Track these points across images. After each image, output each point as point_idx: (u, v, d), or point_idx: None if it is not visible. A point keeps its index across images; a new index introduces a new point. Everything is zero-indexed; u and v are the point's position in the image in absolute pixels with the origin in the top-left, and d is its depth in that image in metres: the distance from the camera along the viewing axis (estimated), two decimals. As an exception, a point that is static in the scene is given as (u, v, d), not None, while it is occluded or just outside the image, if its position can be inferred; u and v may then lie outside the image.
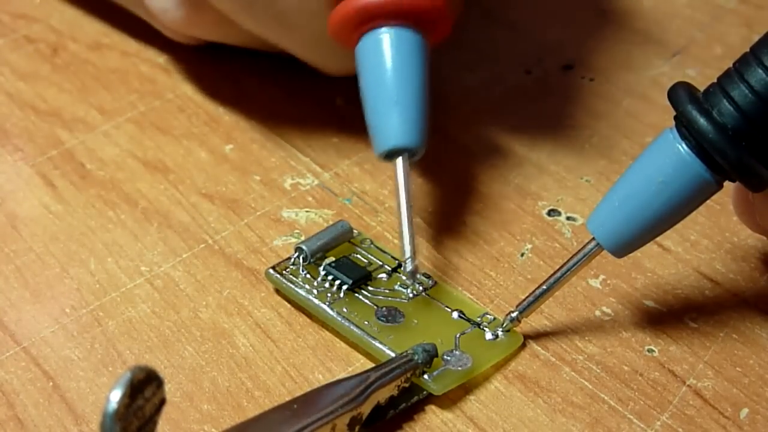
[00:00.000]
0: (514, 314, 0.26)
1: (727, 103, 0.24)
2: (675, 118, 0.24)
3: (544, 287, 0.26)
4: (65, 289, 0.28)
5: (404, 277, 0.27)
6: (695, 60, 0.35)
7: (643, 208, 0.24)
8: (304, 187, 0.31)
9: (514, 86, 0.35)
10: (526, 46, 0.36)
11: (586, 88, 0.34)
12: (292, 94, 0.34)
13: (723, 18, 0.38)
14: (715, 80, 0.24)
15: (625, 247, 0.25)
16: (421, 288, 0.27)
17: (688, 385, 0.25)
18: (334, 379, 0.25)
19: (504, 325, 0.26)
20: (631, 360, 0.26)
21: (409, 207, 0.27)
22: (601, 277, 0.28)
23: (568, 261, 0.26)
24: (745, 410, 0.24)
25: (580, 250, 0.26)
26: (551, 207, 0.30)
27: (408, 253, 0.26)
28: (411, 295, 0.27)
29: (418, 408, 0.25)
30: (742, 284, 0.28)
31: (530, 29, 0.37)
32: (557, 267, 0.26)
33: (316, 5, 0.29)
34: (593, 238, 0.25)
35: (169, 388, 0.24)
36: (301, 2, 0.29)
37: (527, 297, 0.26)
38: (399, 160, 0.27)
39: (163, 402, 0.20)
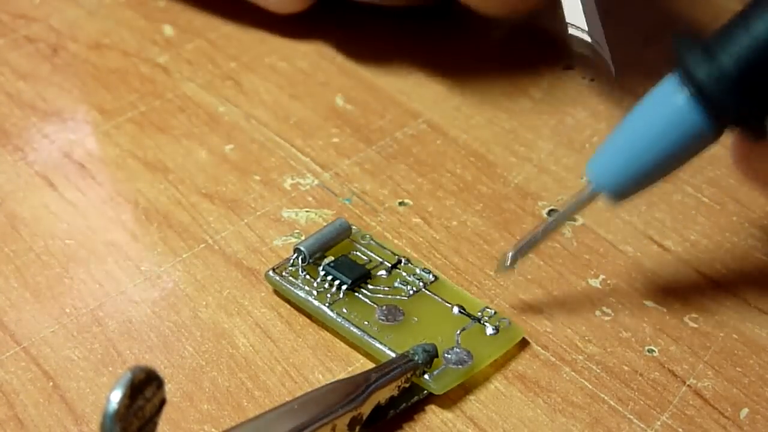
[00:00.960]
0: (510, 253, 0.26)
1: (728, 51, 0.23)
2: (676, 64, 0.24)
3: (541, 229, 0.26)
4: (65, 289, 0.28)
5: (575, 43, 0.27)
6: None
7: (642, 154, 0.24)
8: (304, 187, 0.31)
9: (515, 86, 0.35)
10: (527, 46, 0.36)
11: (586, 88, 0.34)
12: (292, 94, 0.34)
13: (723, 18, 0.37)
14: (717, 28, 0.24)
15: (622, 192, 0.25)
16: (421, 284, 0.27)
17: (688, 385, 0.25)
18: (334, 380, 0.25)
19: (498, 268, 0.26)
20: (631, 360, 0.26)
21: None
22: (601, 277, 0.28)
23: (565, 205, 0.26)
24: (745, 410, 0.24)
25: (577, 194, 0.25)
26: (551, 207, 0.30)
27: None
28: (411, 292, 0.27)
29: (418, 408, 0.25)
30: (742, 284, 0.28)
31: (530, 29, 0.37)
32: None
33: None
34: (590, 183, 0.25)
35: (169, 388, 0.24)
36: None
37: (524, 237, 0.26)
38: None
39: (163, 402, 0.20)
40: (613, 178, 0.25)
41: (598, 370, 0.25)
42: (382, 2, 0.35)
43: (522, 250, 0.26)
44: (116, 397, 0.19)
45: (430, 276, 0.27)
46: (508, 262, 0.26)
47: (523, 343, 0.26)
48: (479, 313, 0.26)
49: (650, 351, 0.26)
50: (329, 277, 0.27)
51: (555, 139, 0.32)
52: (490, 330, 0.26)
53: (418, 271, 0.27)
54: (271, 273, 0.27)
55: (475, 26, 0.36)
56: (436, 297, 0.27)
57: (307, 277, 0.27)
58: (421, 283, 0.27)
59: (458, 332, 0.26)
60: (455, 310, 0.26)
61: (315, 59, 0.36)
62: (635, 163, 0.24)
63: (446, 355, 0.25)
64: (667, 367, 0.25)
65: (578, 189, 0.25)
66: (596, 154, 0.25)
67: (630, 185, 0.25)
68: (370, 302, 0.26)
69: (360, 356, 0.26)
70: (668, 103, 0.24)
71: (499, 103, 0.34)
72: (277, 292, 0.27)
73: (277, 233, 0.29)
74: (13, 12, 0.38)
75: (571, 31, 0.27)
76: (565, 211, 0.26)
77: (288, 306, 0.27)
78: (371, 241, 0.28)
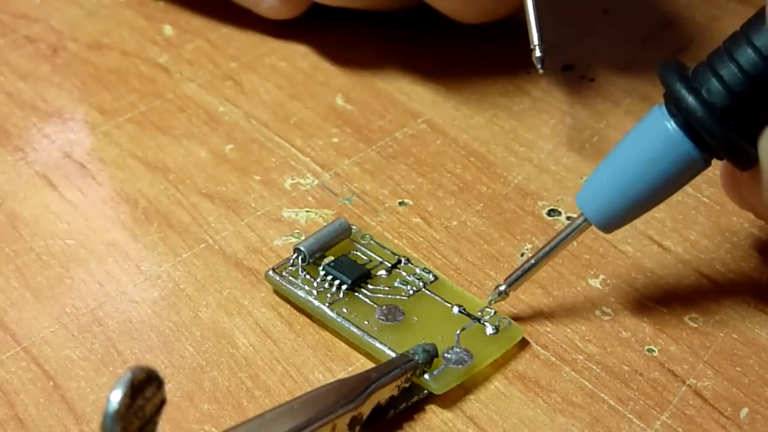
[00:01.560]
0: (501, 287, 0.26)
1: (715, 82, 0.24)
2: (664, 95, 0.25)
3: (533, 261, 0.26)
4: (65, 289, 0.28)
5: (535, 59, 0.30)
6: (695, 60, 0.35)
7: (631, 184, 0.25)
8: (304, 187, 0.31)
9: (515, 86, 0.35)
10: (526, 46, 0.36)
11: (586, 88, 0.34)
12: (292, 94, 0.34)
13: (723, 18, 0.38)
14: (705, 59, 0.24)
15: (612, 222, 0.25)
16: (421, 284, 0.27)
17: (688, 385, 0.25)
18: (334, 379, 0.25)
19: (491, 298, 0.26)
20: (631, 360, 0.26)
21: None
22: (601, 277, 0.28)
23: (557, 236, 0.26)
24: (745, 410, 0.24)
25: (568, 225, 0.26)
26: (551, 207, 0.30)
27: (536, 40, 0.28)
28: (411, 291, 0.27)
29: (418, 407, 0.25)
30: (742, 284, 0.28)
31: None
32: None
33: None
34: (581, 214, 0.25)
35: (169, 387, 0.24)
36: None
37: (515, 271, 0.26)
38: None
39: (163, 402, 0.20)
40: (604, 208, 0.25)
41: (598, 370, 0.25)
42: (365, 7, 0.35)
43: (514, 281, 0.26)
44: (117, 396, 0.19)
45: (430, 276, 0.27)
46: (500, 294, 0.26)
47: (523, 343, 0.26)
48: (479, 313, 0.26)
49: (650, 351, 0.26)
50: (329, 277, 0.27)
51: (555, 139, 0.32)
52: (490, 330, 0.26)
53: (418, 271, 0.27)
54: (271, 273, 0.27)
55: (475, 26, 0.36)
56: (436, 297, 0.27)
57: (307, 276, 0.27)
58: (421, 283, 0.27)
59: (458, 332, 0.26)
60: (455, 309, 0.26)
61: (315, 59, 0.36)
62: (625, 193, 0.25)
63: (446, 354, 0.25)
64: (667, 367, 0.25)
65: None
66: (586, 184, 0.25)
67: (620, 215, 0.25)
68: (370, 302, 0.26)
69: (360, 356, 0.26)
70: (656, 132, 0.24)
71: (498, 103, 0.34)
72: (277, 292, 0.27)
73: (277, 233, 0.29)
74: (13, 12, 0.38)
75: (536, 53, 0.29)
76: (558, 241, 0.26)
77: (288, 306, 0.27)
78: (371, 241, 0.28)
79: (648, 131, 0.25)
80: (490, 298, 0.26)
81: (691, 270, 0.28)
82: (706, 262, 0.28)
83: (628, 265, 0.28)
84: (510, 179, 0.31)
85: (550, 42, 0.36)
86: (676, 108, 0.24)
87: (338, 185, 0.31)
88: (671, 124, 0.24)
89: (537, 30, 0.29)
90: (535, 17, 0.29)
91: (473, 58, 0.36)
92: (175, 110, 0.34)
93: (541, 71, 0.30)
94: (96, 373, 0.25)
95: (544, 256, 0.26)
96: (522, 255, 0.28)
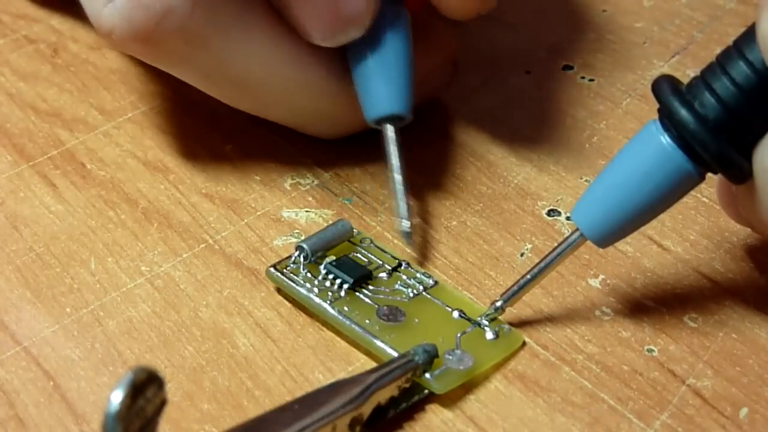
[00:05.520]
0: (498, 303, 0.26)
1: (709, 96, 0.24)
2: (658, 110, 0.25)
3: (528, 277, 0.26)
4: (65, 289, 0.28)
5: (402, 233, 0.28)
6: (695, 60, 0.36)
7: (626, 199, 0.25)
8: (304, 187, 0.31)
9: (514, 86, 0.35)
10: (526, 46, 0.36)
11: (586, 88, 0.34)
12: (292, 94, 0.34)
13: (722, 18, 0.38)
14: (698, 73, 0.24)
15: (607, 237, 0.25)
16: (421, 287, 0.27)
17: (688, 385, 0.25)
18: (335, 380, 0.25)
19: (488, 313, 0.26)
20: (630, 360, 0.26)
21: (401, 168, 0.28)
22: (601, 277, 0.28)
23: (553, 251, 0.26)
24: (745, 410, 0.25)
25: (564, 240, 0.26)
26: (551, 207, 0.30)
27: (403, 213, 0.28)
28: (411, 294, 0.27)
29: (418, 407, 0.25)
30: (741, 284, 0.28)
31: (530, 29, 0.37)
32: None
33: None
34: (577, 228, 0.25)
35: (169, 387, 0.24)
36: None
37: (512, 286, 0.26)
38: (388, 128, 0.29)
39: (164, 402, 0.20)
40: (599, 223, 0.25)
41: (597, 370, 0.25)
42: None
43: (510, 297, 0.26)
44: (118, 397, 0.19)
45: (431, 280, 0.27)
46: (497, 309, 0.26)
47: (523, 343, 0.26)
48: (479, 318, 0.26)
49: (650, 351, 0.26)
50: (331, 276, 0.27)
51: (555, 139, 0.32)
52: (490, 335, 0.26)
53: (418, 275, 0.27)
54: (272, 270, 0.27)
55: (475, 28, 0.36)
56: (437, 301, 0.27)
57: (308, 275, 0.27)
58: (421, 287, 0.27)
59: (458, 335, 0.26)
60: (455, 314, 0.26)
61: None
62: (620, 208, 0.25)
63: (447, 356, 0.25)
64: (667, 367, 0.25)
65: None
66: (581, 199, 0.25)
67: (616, 230, 0.25)
68: (371, 302, 0.26)
69: (360, 356, 0.26)
70: (650, 146, 0.24)
71: (499, 104, 0.34)
72: (278, 290, 0.27)
73: (277, 233, 0.29)
74: (14, 12, 0.38)
75: (403, 227, 0.28)
76: (553, 257, 0.26)
77: (288, 305, 0.27)
78: (371, 244, 0.28)
79: (642, 145, 0.25)
80: (486, 312, 0.26)
81: (690, 270, 0.28)
82: (705, 262, 0.28)
83: (627, 265, 0.28)
84: (510, 179, 0.31)
85: (552, 42, 0.36)
86: (669, 121, 0.24)
87: (338, 185, 0.31)
88: (665, 138, 0.24)
89: (404, 203, 0.28)
90: (402, 189, 0.28)
91: (472, 58, 0.36)
92: (176, 110, 0.34)
93: (409, 246, 0.28)
94: (96, 373, 0.25)
95: (540, 271, 0.26)
96: (522, 255, 0.28)
